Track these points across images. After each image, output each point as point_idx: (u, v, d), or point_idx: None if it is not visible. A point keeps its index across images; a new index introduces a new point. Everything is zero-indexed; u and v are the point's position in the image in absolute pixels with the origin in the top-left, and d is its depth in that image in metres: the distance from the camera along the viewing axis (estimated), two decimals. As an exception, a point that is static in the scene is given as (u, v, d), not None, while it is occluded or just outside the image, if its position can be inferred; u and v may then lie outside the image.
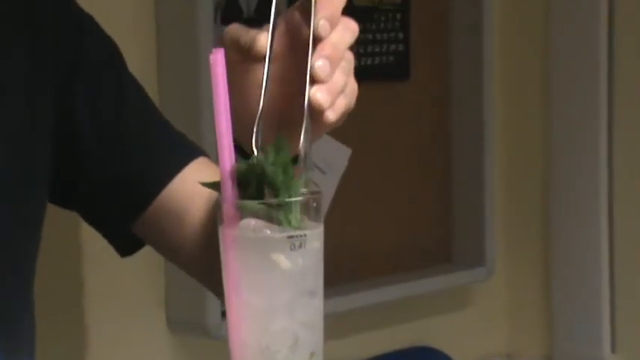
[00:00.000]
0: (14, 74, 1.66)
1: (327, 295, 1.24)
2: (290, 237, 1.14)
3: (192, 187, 1.71)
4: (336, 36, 1.32)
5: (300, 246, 1.17)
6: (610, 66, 3.79)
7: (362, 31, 1.43)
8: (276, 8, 1.27)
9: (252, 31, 1.30)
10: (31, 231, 1.71)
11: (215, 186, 1.24)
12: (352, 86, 1.35)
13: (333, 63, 1.29)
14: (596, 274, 3.71)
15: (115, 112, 1.75)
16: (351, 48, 1.34)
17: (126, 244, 1.82)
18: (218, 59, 1.17)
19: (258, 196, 1.17)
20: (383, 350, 3.37)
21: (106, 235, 1.82)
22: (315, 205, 1.19)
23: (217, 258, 1.32)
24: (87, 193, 1.76)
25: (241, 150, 1.25)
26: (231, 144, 1.20)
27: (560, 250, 3.79)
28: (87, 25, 1.79)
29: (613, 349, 3.68)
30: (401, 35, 3.48)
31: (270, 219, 1.16)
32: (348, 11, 1.33)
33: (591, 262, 3.71)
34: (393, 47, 3.47)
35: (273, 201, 1.16)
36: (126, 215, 1.75)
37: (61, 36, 1.70)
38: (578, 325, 3.75)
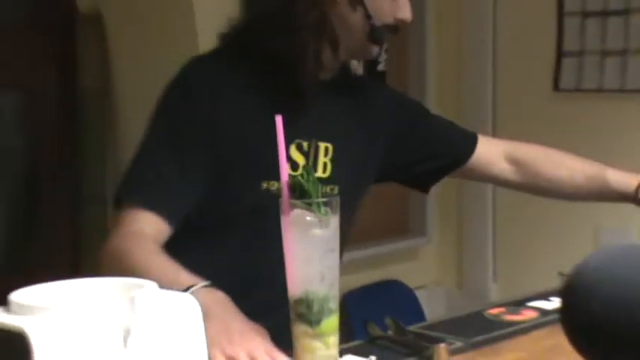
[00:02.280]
0: (364, 139, 2.25)
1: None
2: (320, 220, 1.57)
3: (485, 153, 2.41)
4: None
5: (325, 225, 1.59)
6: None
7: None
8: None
9: None
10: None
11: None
12: None
13: None
14: (485, 237, 4.60)
15: (428, 134, 2.40)
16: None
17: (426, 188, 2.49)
18: (279, 122, 1.62)
19: (301, 197, 1.60)
20: (369, 282, 4.25)
21: (419, 190, 2.52)
22: (332, 203, 1.60)
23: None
24: (415, 175, 2.42)
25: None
26: (287, 169, 1.63)
27: (466, 223, 4.67)
28: (402, 103, 2.44)
29: (494, 280, 4.57)
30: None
31: (309, 210, 1.59)
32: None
33: (482, 228, 4.59)
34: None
35: (309, 200, 1.58)
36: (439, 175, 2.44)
37: (387, 115, 2.31)
38: (475, 266, 4.63)
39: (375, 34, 2.12)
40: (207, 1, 3.57)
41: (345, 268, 2.01)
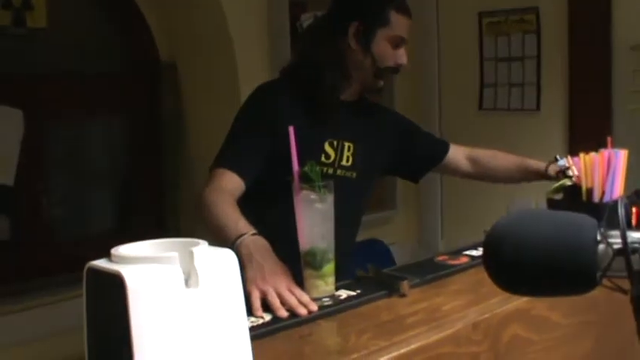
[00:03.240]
0: (376, 144, 2.30)
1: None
2: (320, 198, 1.64)
3: (453, 157, 2.47)
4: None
5: (325, 200, 1.64)
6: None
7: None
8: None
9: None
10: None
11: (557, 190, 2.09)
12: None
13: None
14: (435, 209, 4.62)
15: (417, 136, 2.45)
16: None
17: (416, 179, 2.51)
18: (292, 132, 1.71)
19: (308, 183, 1.65)
20: (358, 240, 3.78)
21: (412, 181, 2.54)
22: (328, 186, 1.66)
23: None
24: (410, 169, 2.47)
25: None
26: (297, 163, 1.69)
27: (423, 200, 4.64)
28: (396, 117, 2.48)
29: (442, 237, 4.62)
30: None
31: (313, 191, 1.65)
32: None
33: (434, 203, 4.63)
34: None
35: (313, 184, 1.64)
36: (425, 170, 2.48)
37: (391, 128, 2.36)
38: (429, 228, 4.67)
39: (379, 73, 2.19)
40: (247, 56, 3.60)
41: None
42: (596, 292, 0.90)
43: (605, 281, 0.90)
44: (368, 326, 1.49)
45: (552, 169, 2.24)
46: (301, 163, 1.93)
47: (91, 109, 3.53)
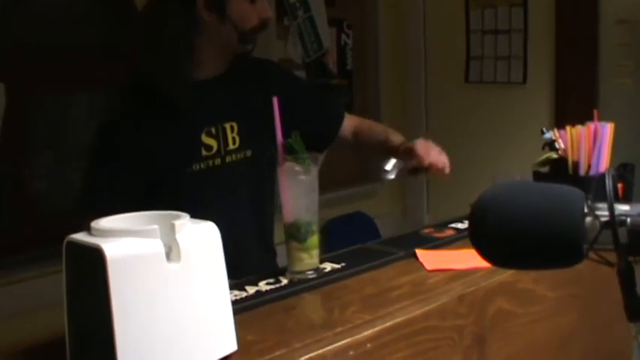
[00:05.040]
0: (261, 111, 1.88)
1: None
2: (305, 170, 1.59)
3: (344, 127, 2.18)
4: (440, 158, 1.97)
5: (309, 172, 1.59)
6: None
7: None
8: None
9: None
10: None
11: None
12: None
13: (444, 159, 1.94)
14: (421, 182, 4.53)
15: (311, 106, 2.13)
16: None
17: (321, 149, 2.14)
18: (276, 101, 1.64)
19: (291, 154, 1.59)
20: (343, 213, 4.17)
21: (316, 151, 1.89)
22: (313, 157, 1.59)
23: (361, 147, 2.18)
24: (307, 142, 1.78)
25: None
26: (281, 136, 1.61)
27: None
28: (288, 77, 2.20)
29: (428, 211, 4.59)
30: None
31: (297, 162, 1.59)
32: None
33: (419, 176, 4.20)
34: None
35: (297, 156, 1.58)
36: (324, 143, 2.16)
37: (280, 86, 1.94)
38: (414, 201, 4.62)
39: (245, 37, 1.93)
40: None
41: (327, 203, 2.06)
42: (581, 266, 0.88)
43: (591, 254, 0.89)
44: (352, 300, 1.48)
45: (402, 149, 2.05)
46: (182, 166, 1.89)
47: (74, 83, 3.44)
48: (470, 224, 0.92)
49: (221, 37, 1.92)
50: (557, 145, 2.12)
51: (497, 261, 0.92)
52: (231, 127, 1.95)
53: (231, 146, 1.94)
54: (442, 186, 4.46)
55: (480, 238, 0.91)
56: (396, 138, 2.14)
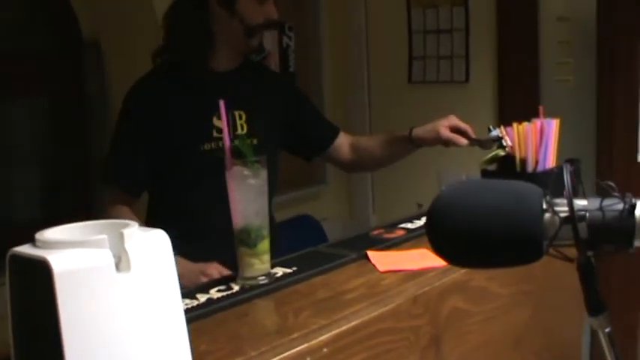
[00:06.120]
0: (267, 101, 2.26)
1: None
2: (254, 173, 1.56)
3: (340, 143, 2.41)
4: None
5: (257, 176, 1.57)
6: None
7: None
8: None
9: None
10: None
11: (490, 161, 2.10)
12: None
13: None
14: (366, 184, 4.57)
15: (309, 115, 2.39)
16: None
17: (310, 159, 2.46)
18: (222, 105, 1.68)
19: (239, 158, 1.57)
20: (290, 216, 3.95)
21: (305, 159, 2.47)
22: (262, 161, 1.57)
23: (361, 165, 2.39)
24: (299, 147, 2.38)
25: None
26: (229, 139, 1.64)
27: (353, 174, 4.37)
28: (295, 88, 2.47)
29: (374, 212, 4.60)
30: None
31: (245, 166, 1.56)
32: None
33: (364, 177, 4.55)
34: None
35: (245, 159, 1.56)
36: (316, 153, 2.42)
37: (285, 91, 2.34)
38: (360, 202, 4.65)
39: (250, 32, 2.16)
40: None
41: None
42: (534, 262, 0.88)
43: (551, 250, 0.88)
44: (306, 304, 1.45)
45: (416, 132, 2.26)
46: (192, 143, 2.11)
47: (11, 88, 3.41)
48: (427, 224, 0.91)
49: (230, 30, 2.15)
50: (504, 143, 2.12)
51: (456, 260, 0.92)
52: (240, 115, 2.16)
53: (239, 131, 2.14)
54: (387, 186, 4.47)
55: (438, 238, 0.90)
56: (397, 132, 2.36)
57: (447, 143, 2.21)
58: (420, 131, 2.27)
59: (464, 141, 2.18)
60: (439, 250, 0.90)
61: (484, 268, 0.92)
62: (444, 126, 2.19)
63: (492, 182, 0.95)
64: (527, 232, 0.86)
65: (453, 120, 2.21)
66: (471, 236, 0.87)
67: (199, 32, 2.14)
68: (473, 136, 2.18)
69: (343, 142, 2.42)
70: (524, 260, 0.88)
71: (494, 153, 2.13)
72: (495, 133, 2.14)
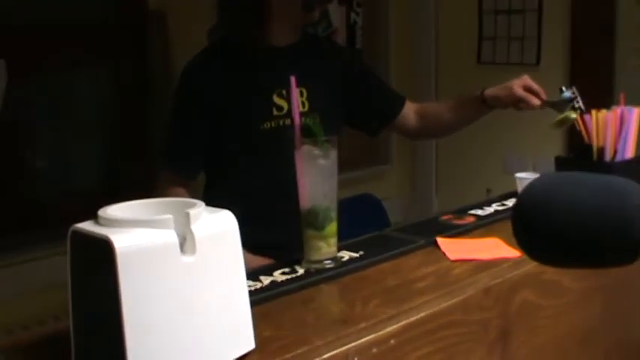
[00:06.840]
0: (329, 75, 2.18)
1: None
2: (324, 153, 1.50)
3: (406, 112, 2.32)
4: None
5: (328, 156, 1.51)
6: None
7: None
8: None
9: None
10: None
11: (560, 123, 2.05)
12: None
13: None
14: (430, 164, 4.59)
15: (373, 86, 2.30)
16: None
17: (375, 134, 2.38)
18: (293, 80, 1.65)
19: (310, 137, 1.51)
20: (352, 195, 3.96)
21: (368, 134, 2.37)
22: (332, 140, 1.51)
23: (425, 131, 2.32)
24: (364, 121, 2.30)
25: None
26: (299, 117, 1.58)
27: (418, 154, 4.60)
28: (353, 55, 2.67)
29: (437, 195, 4.56)
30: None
31: (315, 145, 1.50)
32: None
33: (428, 158, 4.57)
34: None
35: (315, 138, 1.51)
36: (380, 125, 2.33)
37: (348, 65, 2.25)
38: (423, 184, 4.61)
39: (309, 4, 2.08)
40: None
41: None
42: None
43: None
44: (374, 292, 1.39)
45: (489, 91, 2.19)
46: (254, 122, 2.03)
47: (76, 59, 3.38)
48: (516, 221, 0.84)
49: (288, 2, 2.06)
50: (576, 104, 2.03)
51: (547, 260, 0.84)
52: (301, 92, 2.07)
53: (300, 109, 2.02)
54: (451, 168, 4.44)
55: (527, 237, 0.83)
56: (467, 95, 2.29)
57: (520, 103, 2.12)
58: (493, 90, 2.19)
59: (536, 101, 2.08)
60: (526, 249, 0.83)
61: (575, 268, 0.85)
62: (517, 85, 2.11)
63: (585, 176, 0.87)
64: (625, 231, 0.79)
65: (527, 80, 2.13)
66: (562, 236, 0.80)
67: (253, 6, 2.06)
68: (545, 98, 2.10)
69: (409, 110, 2.34)
70: (620, 261, 0.81)
71: (564, 115, 2.05)
72: (568, 94, 2.06)
